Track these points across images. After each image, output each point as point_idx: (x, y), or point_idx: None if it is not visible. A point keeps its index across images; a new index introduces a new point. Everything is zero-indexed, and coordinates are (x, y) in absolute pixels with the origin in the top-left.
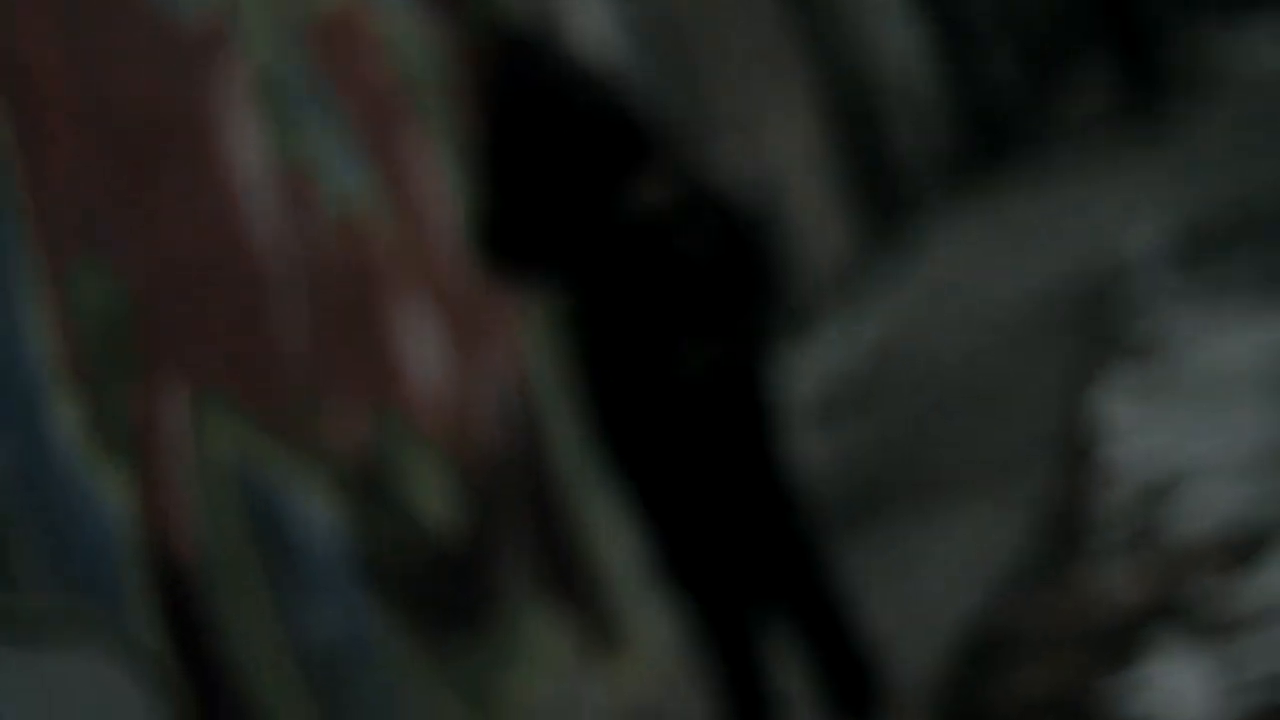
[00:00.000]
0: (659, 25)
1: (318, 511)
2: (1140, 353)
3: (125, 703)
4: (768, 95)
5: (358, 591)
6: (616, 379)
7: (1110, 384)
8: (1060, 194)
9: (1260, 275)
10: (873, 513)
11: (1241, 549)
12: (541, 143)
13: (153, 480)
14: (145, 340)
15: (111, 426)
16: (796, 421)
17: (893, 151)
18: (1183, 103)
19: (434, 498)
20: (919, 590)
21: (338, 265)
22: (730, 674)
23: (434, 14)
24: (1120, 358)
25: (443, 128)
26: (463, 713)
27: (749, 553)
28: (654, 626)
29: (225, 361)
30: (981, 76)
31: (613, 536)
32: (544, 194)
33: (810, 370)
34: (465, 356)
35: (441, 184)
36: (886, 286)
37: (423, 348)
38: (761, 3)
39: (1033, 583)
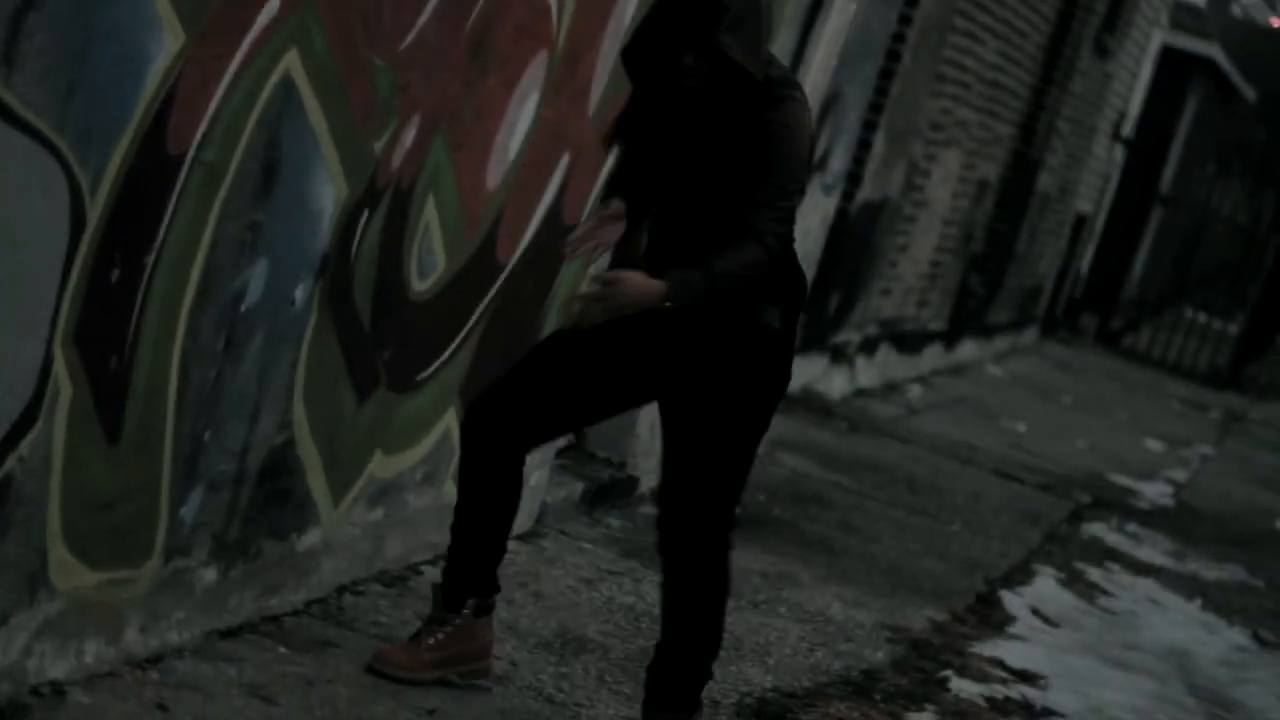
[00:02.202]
0: None
1: (327, 185)
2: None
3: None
4: None
5: (309, 275)
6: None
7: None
8: None
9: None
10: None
11: None
12: None
13: (205, 51)
14: None
15: None
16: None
17: None
18: None
19: (435, 257)
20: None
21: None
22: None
23: None
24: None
25: None
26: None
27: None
28: None
29: (345, 3)
30: None
31: None
32: None
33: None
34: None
35: None
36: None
37: (512, 128)
38: None
39: None
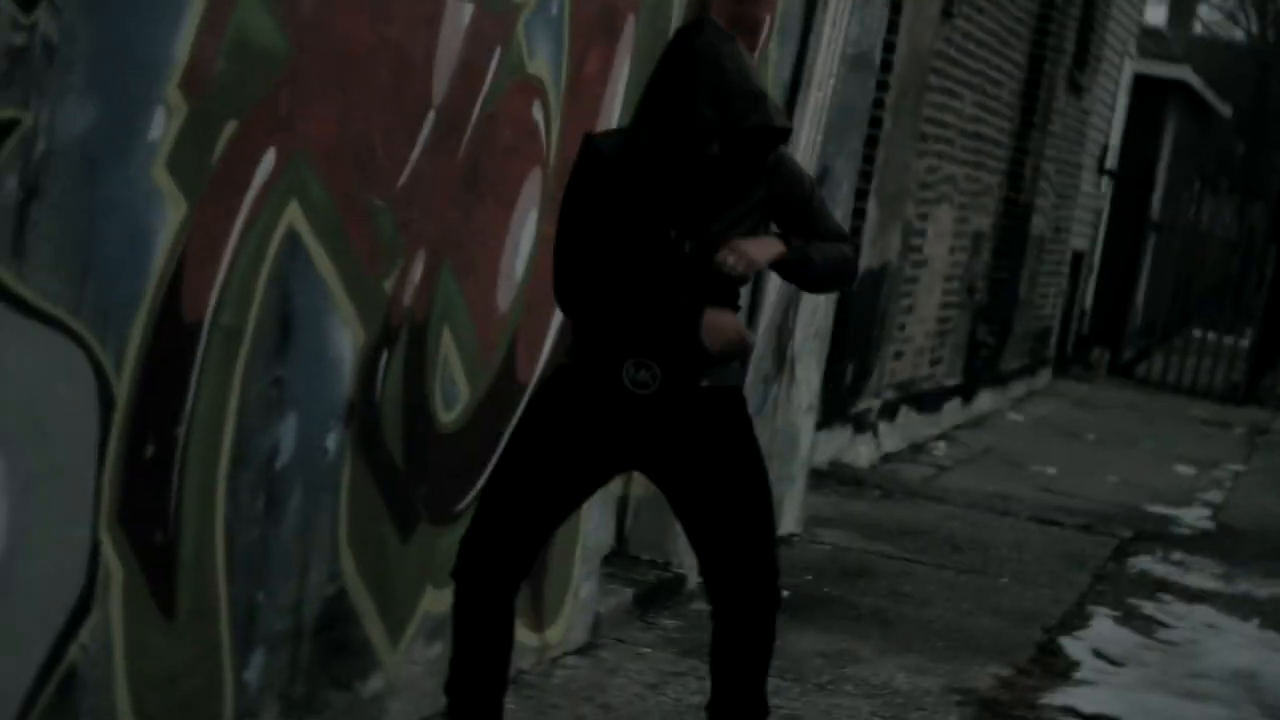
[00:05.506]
0: None
1: (343, 331)
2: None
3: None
4: None
5: (337, 423)
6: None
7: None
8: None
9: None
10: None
11: None
12: None
13: (208, 216)
14: (274, 95)
15: (199, 151)
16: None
17: None
18: None
19: (457, 387)
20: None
21: (487, 122)
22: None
23: None
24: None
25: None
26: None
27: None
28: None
29: (338, 151)
30: None
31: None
32: None
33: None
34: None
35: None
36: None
37: (515, 248)
38: None
39: None
